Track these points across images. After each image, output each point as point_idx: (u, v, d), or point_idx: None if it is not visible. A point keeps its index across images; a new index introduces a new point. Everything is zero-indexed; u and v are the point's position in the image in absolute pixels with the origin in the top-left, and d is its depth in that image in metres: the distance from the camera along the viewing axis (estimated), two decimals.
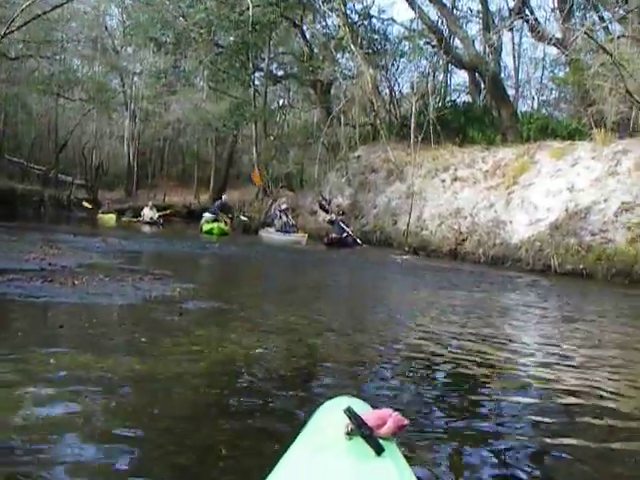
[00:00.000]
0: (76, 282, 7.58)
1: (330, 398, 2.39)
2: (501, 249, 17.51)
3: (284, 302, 8.61)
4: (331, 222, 22.02)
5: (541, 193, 17.86)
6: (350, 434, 1.91)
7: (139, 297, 7.20)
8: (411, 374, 4.99)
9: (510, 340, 6.68)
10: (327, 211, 22.95)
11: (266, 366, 4.86)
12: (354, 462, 1.83)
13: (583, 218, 15.98)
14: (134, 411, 3.65)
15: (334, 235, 21.23)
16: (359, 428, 1.90)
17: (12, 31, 22.85)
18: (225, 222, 24.01)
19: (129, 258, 12.35)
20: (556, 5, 25.22)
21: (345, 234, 21.25)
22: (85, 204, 28.90)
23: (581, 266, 15.03)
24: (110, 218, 25.98)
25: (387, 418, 1.96)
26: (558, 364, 5.56)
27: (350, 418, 1.92)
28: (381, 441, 1.89)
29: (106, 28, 36.86)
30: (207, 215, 24.09)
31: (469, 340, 6.38)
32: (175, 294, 7.61)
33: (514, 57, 35.78)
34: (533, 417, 4.11)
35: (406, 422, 2.00)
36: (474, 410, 4.22)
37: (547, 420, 4.07)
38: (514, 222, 17.88)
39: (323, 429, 2.07)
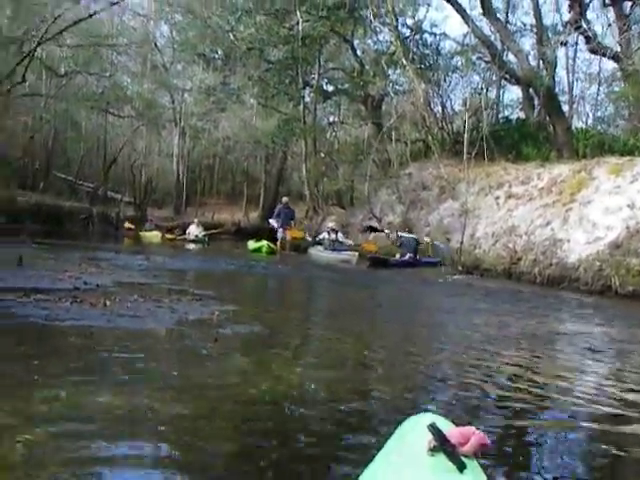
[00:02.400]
0: (108, 303, 7.09)
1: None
2: (558, 269, 16.75)
3: (329, 327, 8.09)
4: (400, 244, 21.01)
5: (600, 210, 17.03)
6: (433, 450, 1.91)
7: (174, 320, 6.67)
8: (461, 402, 4.58)
9: (560, 375, 5.98)
10: (376, 230, 22.28)
11: (309, 403, 4.31)
12: (436, 478, 1.84)
13: None
14: (154, 463, 3.10)
15: (375, 255, 20.50)
16: (442, 445, 1.90)
17: (48, 39, 22.91)
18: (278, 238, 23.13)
19: (170, 277, 11.93)
20: (613, 18, 24.51)
21: (411, 254, 20.25)
22: (127, 225, 27.44)
23: None
24: (154, 235, 25.63)
25: (470, 436, 1.96)
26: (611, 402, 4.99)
27: (433, 434, 1.92)
28: (463, 458, 1.88)
29: (155, 45, 36.86)
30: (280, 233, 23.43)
31: (517, 369, 5.87)
32: (213, 317, 7.06)
33: (568, 72, 34.99)
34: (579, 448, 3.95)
35: (488, 442, 1.99)
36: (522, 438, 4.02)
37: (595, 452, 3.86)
38: (572, 241, 17.10)
39: (406, 445, 2.06)
